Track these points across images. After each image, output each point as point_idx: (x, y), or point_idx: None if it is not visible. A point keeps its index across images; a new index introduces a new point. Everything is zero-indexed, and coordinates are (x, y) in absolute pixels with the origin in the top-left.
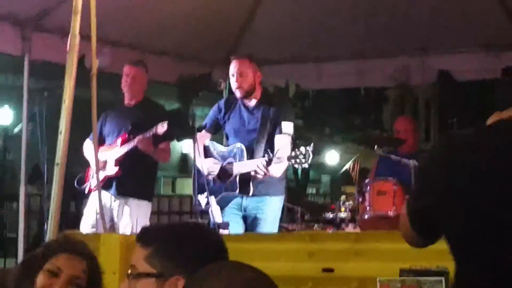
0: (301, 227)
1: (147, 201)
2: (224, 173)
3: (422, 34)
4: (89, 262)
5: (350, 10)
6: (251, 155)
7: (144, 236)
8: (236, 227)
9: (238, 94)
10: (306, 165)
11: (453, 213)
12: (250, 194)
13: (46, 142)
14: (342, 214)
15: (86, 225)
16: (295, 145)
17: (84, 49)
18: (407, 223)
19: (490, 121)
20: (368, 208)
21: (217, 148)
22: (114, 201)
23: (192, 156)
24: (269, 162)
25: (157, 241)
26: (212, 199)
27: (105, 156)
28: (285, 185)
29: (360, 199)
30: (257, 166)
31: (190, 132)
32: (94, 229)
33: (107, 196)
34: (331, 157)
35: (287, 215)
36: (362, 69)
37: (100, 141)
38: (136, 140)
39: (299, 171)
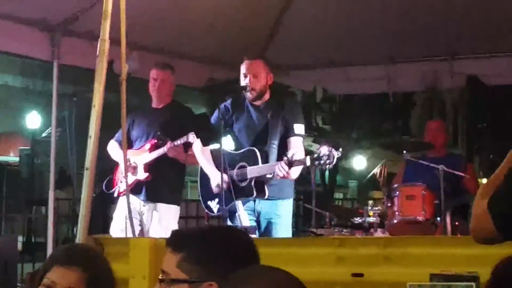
0: (329, 232)
1: (176, 205)
2: (236, 180)
3: (451, 38)
4: (88, 271)
5: (378, 14)
6: (265, 158)
7: (175, 241)
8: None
9: (249, 95)
10: (331, 166)
11: None
12: (266, 196)
13: (75, 147)
14: (371, 219)
15: (116, 229)
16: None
17: (113, 54)
18: (484, 218)
19: None
20: (397, 212)
21: (226, 151)
22: (144, 205)
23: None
24: (289, 165)
25: (188, 246)
26: (240, 204)
27: (133, 160)
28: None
29: (389, 204)
30: (279, 168)
31: (217, 137)
32: (123, 233)
33: (136, 201)
34: (359, 162)
35: (315, 220)
36: (391, 74)
37: (128, 144)
38: (166, 147)
39: (326, 176)
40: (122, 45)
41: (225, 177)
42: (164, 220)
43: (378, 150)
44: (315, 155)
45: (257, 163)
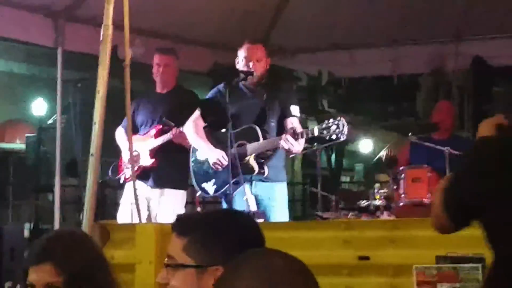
0: (335, 215)
1: (183, 190)
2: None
3: (456, 20)
4: (60, 264)
5: None
6: (264, 136)
7: (180, 226)
8: None
9: (250, 79)
10: (343, 136)
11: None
12: (265, 175)
13: (80, 133)
14: (377, 202)
15: (123, 215)
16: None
17: (117, 39)
18: (440, 209)
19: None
20: (402, 195)
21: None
22: (151, 191)
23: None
24: (295, 136)
25: (193, 231)
26: (247, 188)
27: (139, 146)
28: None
29: (395, 187)
30: (284, 140)
31: (224, 122)
32: (130, 219)
33: (143, 186)
34: (365, 145)
35: (322, 203)
36: (396, 56)
37: (133, 129)
38: (171, 133)
39: (333, 160)
40: (125, 31)
41: (226, 156)
42: (171, 205)
43: (384, 133)
44: (323, 125)
45: (257, 140)
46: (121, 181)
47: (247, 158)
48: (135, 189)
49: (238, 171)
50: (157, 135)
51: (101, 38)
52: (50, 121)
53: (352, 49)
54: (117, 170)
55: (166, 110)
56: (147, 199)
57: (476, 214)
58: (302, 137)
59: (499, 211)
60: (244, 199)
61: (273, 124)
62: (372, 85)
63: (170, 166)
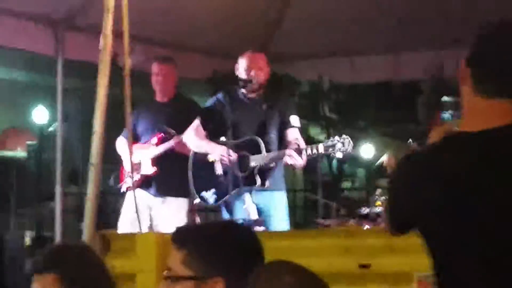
0: (337, 223)
1: (185, 198)
2: (241, 163)
3: (456, 26)
4: (61, 273)
5: (383, 3)
6: (266, 148)
7: (179, 238)
8: None
9: (251, 88)
10: (347, 152)
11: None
12: (266, 186)
13: (81, 142)
14: (378, 209)
15: (124, 224)
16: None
17: (117, 48)
18: (384, 214)
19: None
20: None
21: (224, 141)
22: (153, 199)
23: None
24: (299, 151)
25: (192, 243)
26: (248, 196)
27: (140, 154)
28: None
29: None
30: (289, 155)
31: (223, 130)
32: (131, 228)
33: (145, 195)
34: (366, 150)
35: (323, 210)
36: (396, 63)
37: (134, 139)
38: (173, 142)
39: (335, 165)
40: (125, 40)
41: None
42: (173, 213)
43: (385, 139)
44: (329, 142)
45: (259, 152)
46: (123, 190)
47: (249, 169)
48: (135, 199)
49: (239, 181)
50: (159, 143)
51: (100, 47)
52: (50, 129)
53: (351, 55)
54: (119, 179)
55: (167, 119)
56: (148, 207)
57: (408, 224)
58: (306, 153)
59: (428, 221)
60: (244, 207)
61: (273, 136)
62: (373, 91)
63: (171, 174)
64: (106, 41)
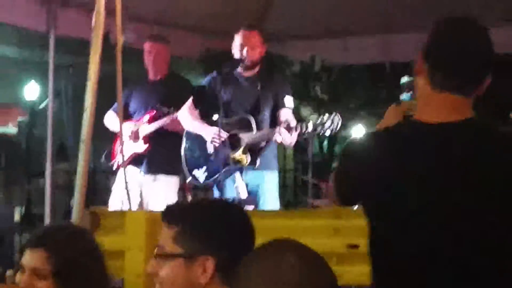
0: (326, 203)
1: (176, 176)
2: (232, 141)
3: (448, 7)
4: (52, 251)
5: None
6: (258, 127)
7: (170, 215)
8: None
9: (244, 65)
10: (334, 132)
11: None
12: (256, 166)
13: (72, 118)
14: None
15: (115, 201)
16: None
17: (109, 25)
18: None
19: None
20: None
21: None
22: (143, 177)
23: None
24: (289, 129)
25: (183, 221)
26: (238, 175)
27: (134, 129)
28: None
29: None
30: (279, 133)
31: (214, 109)
32: (122, 206)
33: (136, 172)
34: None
35: (313, 190)
36: (388, 43)
37: (126, 117)
38: (164, 120)
39: (325, 146)
40: (117, 17)
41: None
42: (164, 191)
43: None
44: (318, 121)
45: (251, 131)
46: (114, 167)
47: (239, 148)
48: (125, 176)
49: (229, 160)
50: (151, 120)
51: (92, 25)
52: (42, 105)
53: (344, 36)
54: (110, 156)
55: (160, 97)
56: (139, 185)
57: (355, 198)
58: (296, 131)
59: (375, 200)
60: (235, 186)
61: (266, 115)
62: (364, 71)
63: (163, 152)
64: (98, 18)
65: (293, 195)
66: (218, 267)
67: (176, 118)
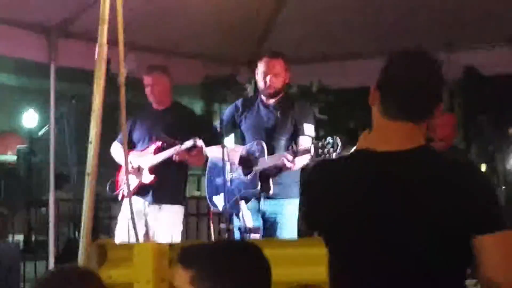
0: None
1: (180, 205)
2: (246, 163)
3: (447, 30)
4: None
5: (373, 7)
6: (271, 152)
7: (185, 258)
8: None
9: (266, 92)
10: (335, 154)
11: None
12: (271, 192)
13: (74, 147)
14: None
15: (121, 231)
16: (320, 138)
17: (109, 54)
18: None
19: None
20: None
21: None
22: (148, 206)
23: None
24: (294, 155)
25: (199, 264)
26: (243, 204)
27: (137, 162)
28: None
29: None
30: (284, 157)
31: (218, 140)
32: (127, 236)
33: (141, 202)
34: None
35: None
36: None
37: (130, 146)
38: (171, 152)
39: None
40: (120, 50)
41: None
42: (169, 220)
43: None
44: (319, 144)
45: (263, 156)
46: (119, 198)
47: (252, 173)
48: (131, 208)
49: (242, 187)
50: (157, 151)
51: (96, 57)
52: (41, 133)
53: (342, 60)
54: (114, 186)
55: (164, 127)
56: (144, 214)
57: (316, 226)
58: (297, 155)
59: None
60: (240, 215)
61: (282, 141)
62: (363, 91)
63: (168, 182)
64: (101, 51)
65: None
66: None
67: (183, 148)
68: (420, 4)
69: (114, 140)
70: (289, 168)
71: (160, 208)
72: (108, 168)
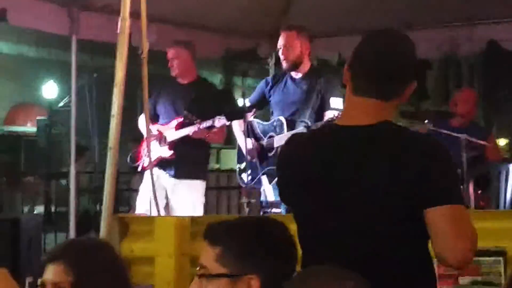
0: None
1: (202, 180)
2: (266, 151)
3: (470, 4)
4: (72, 264)
5: None
6: (291, 127)
7: (212, 235)
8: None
9: (284, 66)
10: None
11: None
12: None
13: (95, 120)
14: None
15: (142, 203)
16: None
17: (131, 27)
18: None
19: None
20: None
21: (259, 124)
22: (169, 179)
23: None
24: (308, 129)
25: (226, 241)
26: (264, 178)
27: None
28: None
29: None
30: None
31: (240, 114)
32: (149, 208)
33: (162, 175)
34: None
35: None
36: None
37: (154, 117)
38: (191, 129)
39: None
40: (142, 23)
41: (252, 144)
42: (189, 195)
43: (399, 118)
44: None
45: (283, 132)
46: (139, 169)
47: (273, 150)
48: (153, 181)
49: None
50: (178, 127)
51: (118, 31)
52: (61, 104)
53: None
54: (136, 157)
55: (187, 102)
56: (165, 187)
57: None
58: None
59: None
60: (261, 189)
61: (305, 116)
62: None
63: (188, 158)
64: (124, 24)
65: None
66: (263, 285)
67: (202, 127)
68: None
69: (135, 114)
70: None
71: (180, 182)
72: (129, 142)
